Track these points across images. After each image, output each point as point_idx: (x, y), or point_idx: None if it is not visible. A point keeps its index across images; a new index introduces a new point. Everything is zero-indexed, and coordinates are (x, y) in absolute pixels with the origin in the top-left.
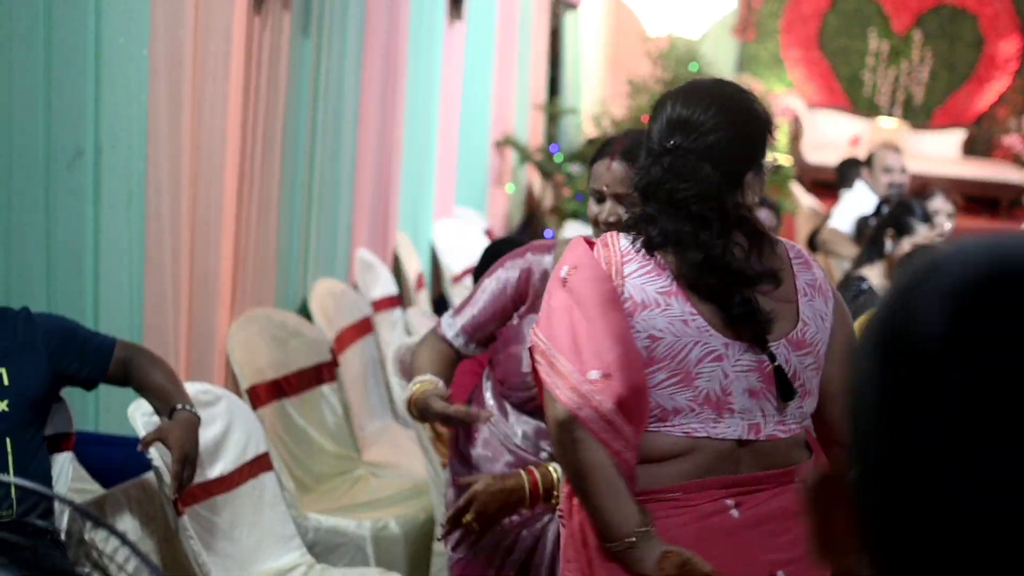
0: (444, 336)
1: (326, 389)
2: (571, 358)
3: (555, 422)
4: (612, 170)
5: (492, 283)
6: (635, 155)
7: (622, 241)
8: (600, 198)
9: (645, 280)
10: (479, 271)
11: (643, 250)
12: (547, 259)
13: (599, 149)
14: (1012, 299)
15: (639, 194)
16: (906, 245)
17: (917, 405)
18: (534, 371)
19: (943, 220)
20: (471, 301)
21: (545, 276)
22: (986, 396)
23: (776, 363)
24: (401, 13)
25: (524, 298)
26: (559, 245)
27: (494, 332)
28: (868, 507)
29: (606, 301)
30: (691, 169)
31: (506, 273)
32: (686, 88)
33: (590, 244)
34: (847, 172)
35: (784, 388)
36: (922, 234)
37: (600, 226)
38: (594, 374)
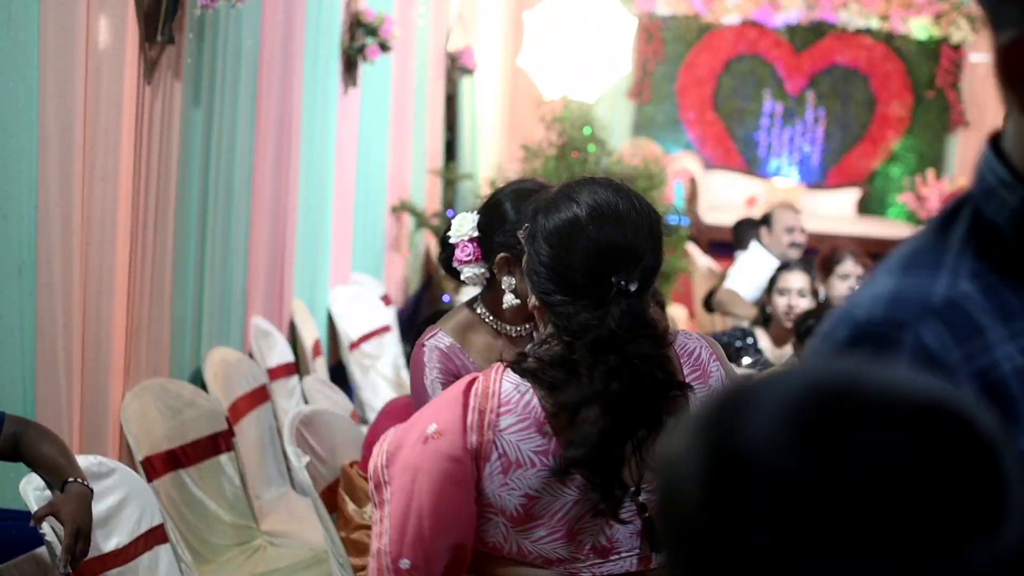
0: None
1: (223, 459)
2: (394, 531)
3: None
4: None
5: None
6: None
7: (505, 386)
8: None
9: (521, 437)
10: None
11: (527, 396)
12: (442, 338)
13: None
14: (855, 432)
15: (562, 334)
16: (782, 304)
17: (756, 526)
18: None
19: (853, 283)
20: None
21: (452, 350)
22: (831, 525)
23: (646, 514)
24: (294, 81)
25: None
26: (444, 320)
27: None
28: None
29: (452, 483)
30: (642, 313)
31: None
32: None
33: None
34: (743, 233)
35: (653, 542)
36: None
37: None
38: (405, 563)
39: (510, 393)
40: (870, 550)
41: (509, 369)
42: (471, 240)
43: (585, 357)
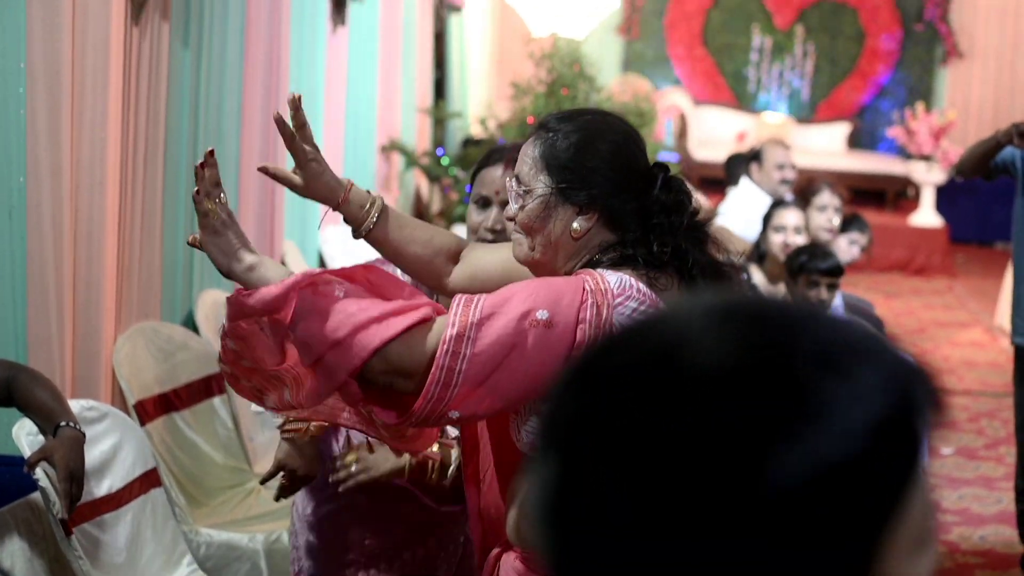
0: None
1: (217, 401)
2: (464, 387)
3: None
4: (506, 175)
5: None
6: None
7: (611, 279)
8: (485, 204)
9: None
10: None
11: (637, 287)
12: None
13: (487, 155)
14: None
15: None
16: (777, 241)
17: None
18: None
19: (831, 214)
20: None
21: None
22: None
23: None
24: (283, 20)
25: None
26: None
27: None
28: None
29: (546, 374)
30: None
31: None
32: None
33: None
34: (734, 168)
35: None
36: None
37: (482, 234)
38: (454, 414)
39: (620, 284)
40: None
41: (600, 269)
42: None
43: (664, 232)
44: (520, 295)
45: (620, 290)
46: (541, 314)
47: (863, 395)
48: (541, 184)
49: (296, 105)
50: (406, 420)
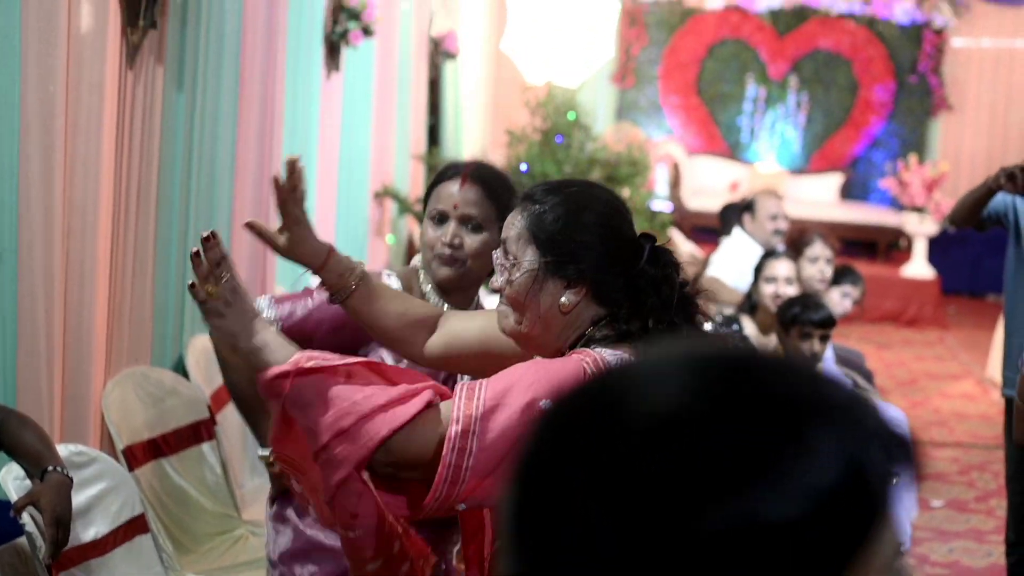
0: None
1: (205, 447)
2: (472, 479)
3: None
4: (464, 191)
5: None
6: (487, 181)
7: (610, 358)
8: (442, 219)
9: None
10: None
11: None
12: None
13: (443, 171)
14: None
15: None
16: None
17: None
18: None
19: (823, 265)
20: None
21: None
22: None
23: None
24: (277, 65)
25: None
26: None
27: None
28: None
29: None
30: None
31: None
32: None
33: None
34: (729, 218)
35: None
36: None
37: (439, 249)
38: (461, 506)
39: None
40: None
41: (597, 348)
42: None
43: (655, 307)
44: (521, 384)
45: None
46: (544, 403)
47: (811, 459)
48: (529, 257)
49: (292, 167)
50: (415, 516)
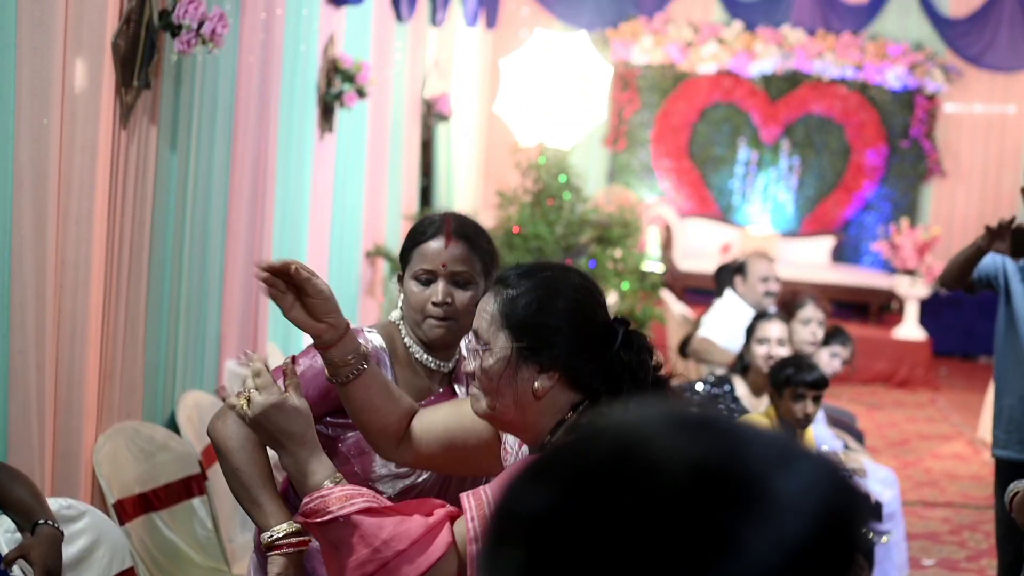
0: None
1: (196, 502)
2: None
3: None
4: (450, 249)
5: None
6: (470, 236)
7: None
8: (430, 279)
9: None
10: None
11: None
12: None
13: (424, 229)
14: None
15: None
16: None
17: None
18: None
19: (815, 328)
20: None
21: (377, 353)
22: None
23: None
24: (270, 125)
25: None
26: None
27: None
28: None
29: None
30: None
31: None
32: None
33: None
34: (724, 279)
35: None
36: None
37: (429, 310)
38: None
39: None
40: None
41: None
42: None
43: (631, 392)
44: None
45: None
46: None
47: (781, 515)
48: (501, 343)
49: (297, 272)
50: None
